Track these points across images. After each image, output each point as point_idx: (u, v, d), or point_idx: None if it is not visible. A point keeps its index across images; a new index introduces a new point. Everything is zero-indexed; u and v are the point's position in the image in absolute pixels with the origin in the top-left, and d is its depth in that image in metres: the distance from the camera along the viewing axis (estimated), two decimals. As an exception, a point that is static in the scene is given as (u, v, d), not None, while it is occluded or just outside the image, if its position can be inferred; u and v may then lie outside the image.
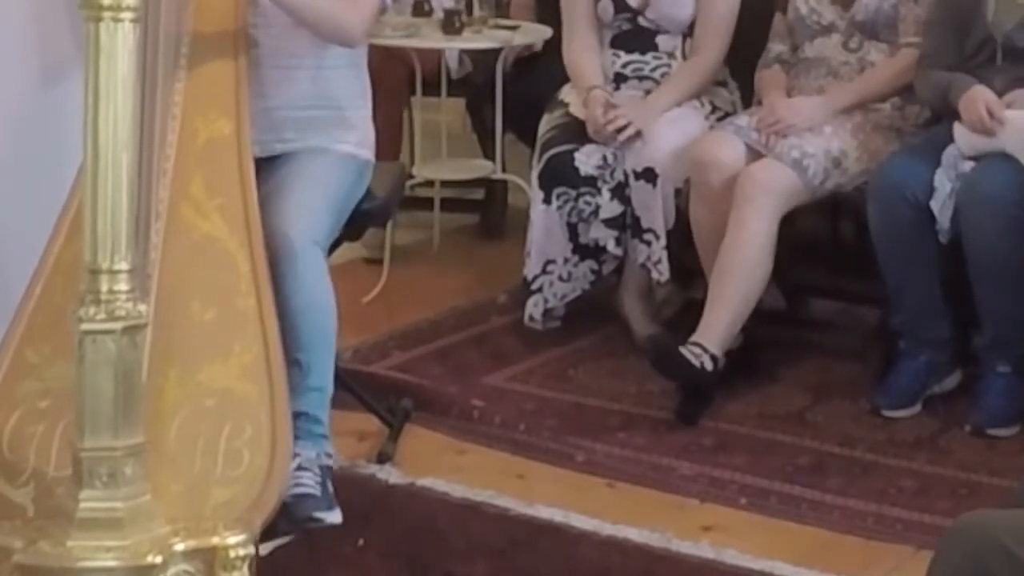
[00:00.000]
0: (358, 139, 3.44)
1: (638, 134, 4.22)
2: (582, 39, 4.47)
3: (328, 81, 3.39)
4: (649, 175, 4.20)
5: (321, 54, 3.36)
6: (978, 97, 3.77)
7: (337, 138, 3.39)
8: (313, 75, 3.37)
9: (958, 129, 3.81)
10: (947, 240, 3.78)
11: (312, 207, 3.20)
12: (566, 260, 4.37)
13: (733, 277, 3.94)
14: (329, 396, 3.23)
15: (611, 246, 4.30)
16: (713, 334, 3.91)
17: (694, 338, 3.91)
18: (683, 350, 3.88)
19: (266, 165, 3.24)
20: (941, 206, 3.75)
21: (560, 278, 4.38)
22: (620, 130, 4.22)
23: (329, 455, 3.24)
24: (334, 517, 3.17)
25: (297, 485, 3.03)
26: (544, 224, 4.34)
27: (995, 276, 3.71)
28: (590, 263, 4.37)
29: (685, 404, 3.91)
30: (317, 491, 3.16)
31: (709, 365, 3.87)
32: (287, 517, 2.95)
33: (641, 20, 4.41)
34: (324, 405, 3.21)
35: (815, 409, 3.96)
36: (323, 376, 3.18)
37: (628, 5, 4.40)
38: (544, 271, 4.38)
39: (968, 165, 3.77)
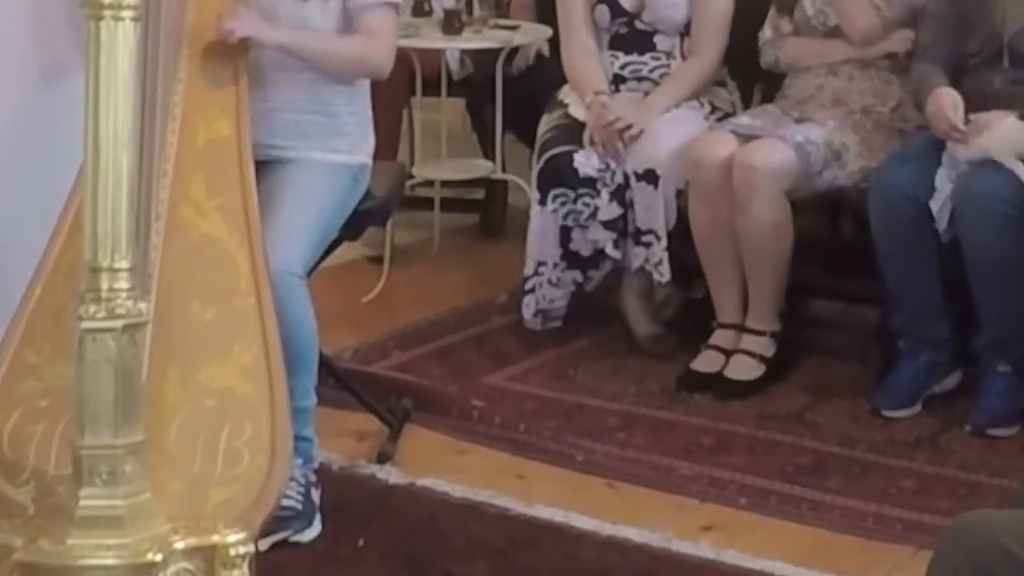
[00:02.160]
0: (351, 145, 3.44)
1: (639, 133, 4.22)
2: (580, 43, 4.45)
3: (327, 84, 3.40)
4: (650, 176, 4.19)
5: None
6: (942, 103, 3.74)
7: (329, 147, 3.39)
8: (312, 78, 3.37)
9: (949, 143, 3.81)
10: (948, 240, 3.78)
11: (298, 228, 3.21)
12: (555, 265, 4.35)
13: (756, 258, 4.03)
14: (313, 409, 3.28)
15: (609, 248, 4.28)
16: (762, 314, 4.08)
17: (748, 323, 4.07)
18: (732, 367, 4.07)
19: (258, 171, 3.23)
20: (941, 206, 3.75)
21: (550, 282, 4.36)
22: (621, 132, 4.21)
23: (315, 469, 3.31)
24: (311, 533, 3.23)
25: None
26: (539, 225, 4.33)
27: (993, 276, 3.70)
28: (575, 273, 4.35)
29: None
30: (300, 504, 3.19)
31: (770, 351, 4.07)
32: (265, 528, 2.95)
33: (638, 23, 4.39)
34: (309, 421, 3.27)
35: (815, 409, 3.96)
36: (306, 396, 3.22)
37: (624, 9, 4.39)
38: (536, 272, 4.37)
39: (967, 165, 3.77)
